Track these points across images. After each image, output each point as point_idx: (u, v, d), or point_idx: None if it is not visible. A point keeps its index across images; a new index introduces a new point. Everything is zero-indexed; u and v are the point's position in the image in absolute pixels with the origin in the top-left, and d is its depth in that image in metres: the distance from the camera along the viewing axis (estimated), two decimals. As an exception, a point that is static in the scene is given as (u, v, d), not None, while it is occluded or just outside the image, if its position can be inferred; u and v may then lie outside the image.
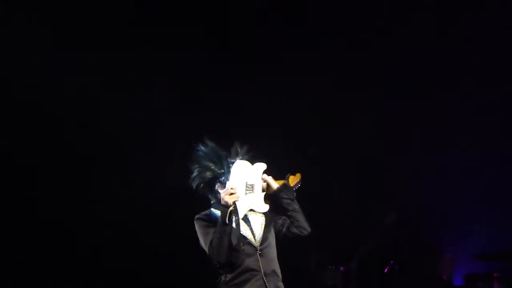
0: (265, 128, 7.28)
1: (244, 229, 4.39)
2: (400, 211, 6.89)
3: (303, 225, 4.50)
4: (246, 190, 4.41)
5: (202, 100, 7.49)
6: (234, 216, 4.27)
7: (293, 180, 4.63)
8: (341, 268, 7.14)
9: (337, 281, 7.12)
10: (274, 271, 4.39)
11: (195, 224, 4.41)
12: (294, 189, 4.59)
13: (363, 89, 7.60)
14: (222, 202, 4.27)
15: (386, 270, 7.22)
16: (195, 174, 4.50)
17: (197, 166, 4.50)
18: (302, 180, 4.66)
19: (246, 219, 4.44)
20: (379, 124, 7.74)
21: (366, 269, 6.99)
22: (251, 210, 4.48)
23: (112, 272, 7.36)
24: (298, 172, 4.67)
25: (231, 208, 4.23)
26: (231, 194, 4.25)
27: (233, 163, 4.45)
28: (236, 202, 4.28)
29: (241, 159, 4.49)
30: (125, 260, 7.35)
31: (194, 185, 4.51)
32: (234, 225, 4.28)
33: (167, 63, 7.43)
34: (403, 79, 7.62)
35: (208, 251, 4.26)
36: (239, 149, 4.53)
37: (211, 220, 4.37)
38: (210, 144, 4.53)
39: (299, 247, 6.99)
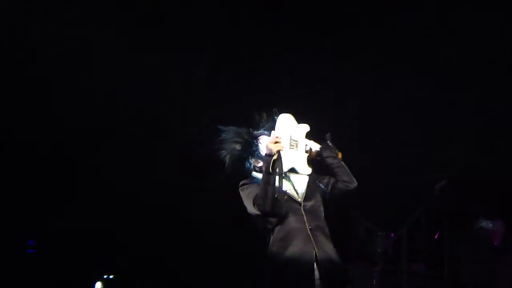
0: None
1: (286, 186, 4.45)
2: (450, 177, 6.83)
3: (348, 179, 4.56)
4: (290, 145, 4.46)
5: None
6: (277, 166, 4.29)
7: None
8: (392, 235, 7.15)
9: (387, 248, 7.14)
10: (320, 227, 4.44)
11: (240, 191, 4.51)
12: None
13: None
14: (266, 151, 4.33)
15: (436, 237, 7.21)
16: (226, 160, 4.59)
17: (224, 152, 4.59)
18: (342, 159, 4.69)
19: (287, 177, 4.50)
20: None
21: (417, 235, 7.00)
22: (293, 171, 4.54)
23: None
24: (339, 151, 4.71)
25: (274, 157, 4.28)
26: (276, 142, 4.31)
27: (257, 135, 4.55)
28: (281, 152, 4.31)
29: (264, 128, 4.57)
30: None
31: (230, 170, 4.60)
32: (277, 176, 4.30)
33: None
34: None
35: (254, 203, 4.34)
36: (258, 118, 4.61)
37: (254, 183, 4.46)
38: (227, 128, 4.63)
39: (348, 213, 7.10)
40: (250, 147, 4.55)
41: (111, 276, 7.48)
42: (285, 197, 4.39)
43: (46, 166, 7.69)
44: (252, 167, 4.56)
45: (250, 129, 4.60)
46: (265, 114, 4.62)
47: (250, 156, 4.56)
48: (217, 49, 7.56)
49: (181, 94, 7.63)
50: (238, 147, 4.57)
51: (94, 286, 7.45)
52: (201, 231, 7.77)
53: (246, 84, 7.38)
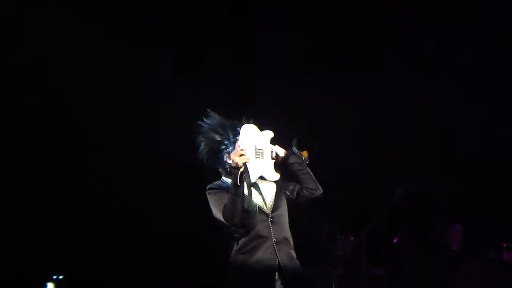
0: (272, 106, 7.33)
1: (256, 196, 4.40)
2: (412, 182, 6.87)
3: (314, 186, 4.54)
4: (256, 154, 4.41)
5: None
6: (245, 178, 4.24)
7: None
8: (351, 238, 7.17)
9: (347, 251, 7.15)
10: (285, 239, 4.42)
11: (207, 195, 4.43)
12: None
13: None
14: (232, 164, 4.25)
15: (395, 241, 7.24)
16: (202, 147, 4.50)
17: (203, 139, 4.50)
18: (309, 157, 4.67)
19: (256, 186, 4.46)
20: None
21: (376, 239, 7.01)
22: (262, 178, 4.50)
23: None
24: (305, 150, 4.69)
25: (241, 170, 4.22)
26: (241, 155, 4.24)
27: (239, 132, 4.44)
28: (247, 164, 4.26)
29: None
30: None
31: (202, 158, 4.51)
32: (245, 187, 4.26)
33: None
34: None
35: (223, 214, 4.27)
36: (246, 122, 4.50)
37: (222, 188, 4.39)
38: (214, 115, 4.52)
39: (309, 217, 7.07)
40: (229, 142, 4.46)
41: (60, 277, 7.36)
42: (255, 208, 4.36)
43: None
44: (225, 161, 4.46)
45: (237, 122, 4.49)
46: (252, 120, 4.52)
47: (226, 150, 4.46)
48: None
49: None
50: (218, 137, 4.47)
51: (46, 287, 7.32)
52: (151, 229, 7.70)
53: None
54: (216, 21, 7.48)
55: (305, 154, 4.65)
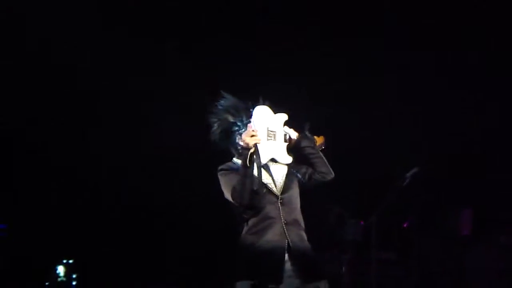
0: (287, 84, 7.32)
1: (265, 177, 4.40)
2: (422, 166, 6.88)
3: (326, 170, 4.53)
4: (268, 136, 4.40)
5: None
6: (255, 159, 4.23)
7: (317, 141, 4.65)
8: (361, 223, 7.18)
9: (357, 235, 7.16)
10: (296, 220, 4.41)
11: (218, 176, 4.43)
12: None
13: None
14: (243, 144, 4.25)
15: (405, 225, 7.25)
16: (214, 127, 4.50)
17: (216, 119, 4.50)
18: (325, 142, 4.66)
19: (267, 168, 4.45)
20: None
21: (386, 223, 7.01)
22: (273, 161, 4.49)
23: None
24: (322, 135, 4.68)
25: (251, 150, 4.21)
26: (252, 136, 4.23)
27: (252, 114, 4.42)
28: (257, 145, 4.25)
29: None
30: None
31: (214, 139, 4.51)
32: (255, 168, 4.25)
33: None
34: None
35: (232, 195, 4.27)
36: (261, 103, 4.49)
37: (233, 170, 4.39)
38: (229, 96, 4.52)
39: (320, 201, 7.08)
40: (242, 124, 4.46)
41: (70, 261, 7.41)
42: (264, 189, 4.35)
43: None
44: (237, 142, 4.45)
45: (250, 104, 4.47)
46: (267, 102, 4.50)
47: (238, 132, 4.46)
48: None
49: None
50: (230, 118, 4.48)
51: (56, 270, 7.37)
52: (161, 215, 7.74)
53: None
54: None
55: (320, 139, 4.65)
